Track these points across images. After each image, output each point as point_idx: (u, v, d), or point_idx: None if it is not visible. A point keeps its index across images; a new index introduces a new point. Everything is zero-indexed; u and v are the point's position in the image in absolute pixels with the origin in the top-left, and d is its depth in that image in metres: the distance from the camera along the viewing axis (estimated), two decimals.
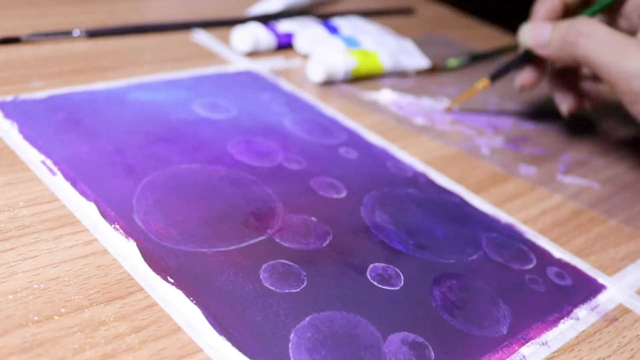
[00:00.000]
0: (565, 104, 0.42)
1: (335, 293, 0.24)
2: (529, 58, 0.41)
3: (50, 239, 0.24)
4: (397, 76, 0.48)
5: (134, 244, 0.24)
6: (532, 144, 0.41)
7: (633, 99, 0.34)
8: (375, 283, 0.25)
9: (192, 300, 0.22)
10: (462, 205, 0.32)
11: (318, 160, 0.33)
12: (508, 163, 0.38)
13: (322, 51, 0.45)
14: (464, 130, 0.41)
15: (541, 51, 0.38)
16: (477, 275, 0.27)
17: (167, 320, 0.22)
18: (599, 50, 0.35)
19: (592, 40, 0.35)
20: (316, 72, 0.43)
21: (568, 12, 0.40)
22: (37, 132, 0.30)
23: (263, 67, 0.44)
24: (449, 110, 0.43)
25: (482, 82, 0.42)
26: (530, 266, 0.29)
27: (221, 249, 0.25)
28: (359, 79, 0.45)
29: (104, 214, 0.26)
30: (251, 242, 0.26)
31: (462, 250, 0.29)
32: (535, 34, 0.39)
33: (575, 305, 0.27)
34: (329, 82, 0.44)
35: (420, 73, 0.49)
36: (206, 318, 0.22)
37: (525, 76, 0.42)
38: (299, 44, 0.48)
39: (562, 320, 0.26)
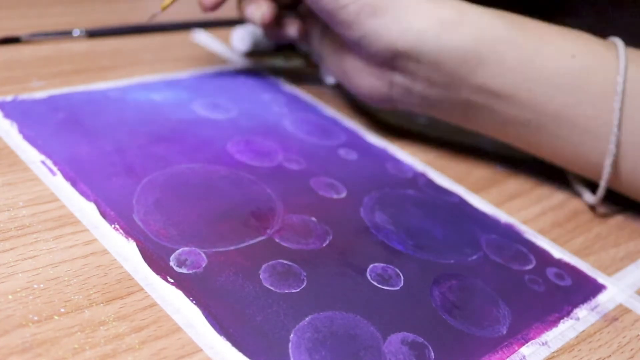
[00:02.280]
0: (258, 11, 0.36)
1: (335, 293, 0.24)
2: None
3: (50, 239, 0.24)
4: None
5: (134, 244, 0.24)
6: None
7: (347, 21, 0.31)
8: (375, 283, 0.25)
9: (192, 300, 0.22)
10: (462, 205, 0.32)
11: (318, 160, 0.33)
12: (508, 160, 0.38)
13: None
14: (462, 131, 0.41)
15: None
16: (476, 275, 0.27)
17: (167, 320, 0.22)
18: None
19: None
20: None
21: None
22: (37, 132, 0.30)
23: (263, 67, 0.44)
24: (154, 16, 0.38)
25: None
26: (529, 266, 0.29)
27: (221, 249, 0.25)
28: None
29: (103, 214, 0.26)
30: (251, 242, 0.26)
31: (461, 251, 0.29)
32: None
33: (575, 305, 0.27)
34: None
35: None
36: (206, 318, 0.22)
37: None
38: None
39: (562, 320, 0.26)
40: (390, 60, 0.32)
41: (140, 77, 0.38)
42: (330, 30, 0.36)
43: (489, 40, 0.31)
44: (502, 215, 0.32)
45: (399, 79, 0.33)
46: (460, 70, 0.31)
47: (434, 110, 0.35)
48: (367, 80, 0.35)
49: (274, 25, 0.38)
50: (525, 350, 0.24)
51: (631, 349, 0.25)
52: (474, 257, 0.29)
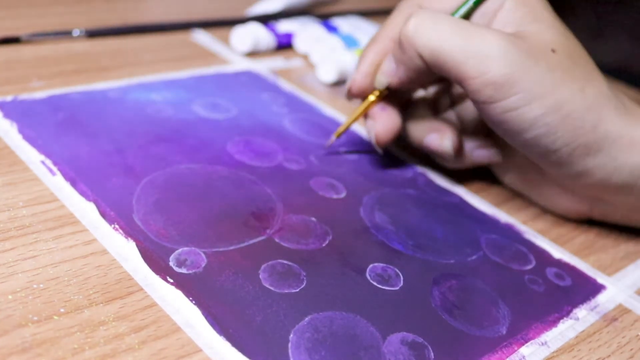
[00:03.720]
0: (447, 139, 0.32)
1: (334, 293, 0.24)
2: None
3: (50, 239, 0.24)
4: None
5: (134, 244, 0.24)
6: None
7: (490, 93, 0.27)
8: (375, 283, 0.25)
9: (191, 300, 0.22)
10: (462, 205, 0.32)
11: (318, 160, 0.33)
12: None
13: (327, 51, 0.45)
14: None
15: (395, 80, 0.31)
16: (476, 275, 0.27)
17: (167, 320, 0.22)
18: (438, 35, 0.28)
19: (429, 25, 0.28)
20: (328, 72, 0.43)
21: None
22: (37, 132, 0.30)
23: (263, 67, 0.44)
24: (330, 144, 0.34)
25: (372, 98, 0.33)
26: (529, 266, 0.29)
27: (221, 249, 0.25)
28: None
29: (103, 214, 0.26)
30: (251, 242, 0.26)
31: (461, 251, 0.29)
32: (383, 69, 0.31)
33: (575, 305, 0.27)
34: (340, 82, 0.44)
35: None
36: (206, 318, 0.22)
37: (380, 127, 0.32)
38: (299, 44, 0.48)
39: (561, 320, 0.26)
40: (595, 192, 0.30)
41: (140, 77, 0.38)
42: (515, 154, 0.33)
43: None
44: (502, 215, 0.32)
45: (603, 206, 0.32)
46: None
47: (637, 222, 0.33)
48: (564, 203, 0.32)
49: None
50: (524, 350, 0.24)
51: (631, 349, 0.25)
52: (474, 257, 0.29)
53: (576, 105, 0.27)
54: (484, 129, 0.34)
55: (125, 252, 0.24)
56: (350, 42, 0.48)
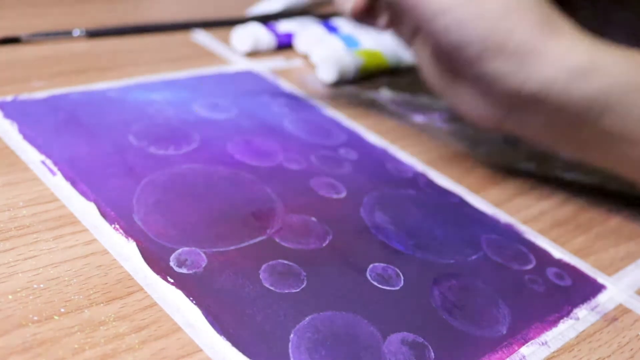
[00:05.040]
0: (349, 2, 0.35)
1: (335, 293, 0.24)
2: None
3: (50, 239, 0.24)
4: (389, 74, 0.48)
5: (134, 244, 0.24)
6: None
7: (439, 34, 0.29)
8: (375, 283, 0.25)
9: (192, 300, 0.22)
10: (462, 205, 0.32)
11: (318, 160, 0.33)
12: (507, 160, 0.38)
13: (328, 51, 0.45)
14: (462, 128, 0.41)
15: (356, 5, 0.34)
16: (476, 275, 0.27)
17: (167, 320, 0.22)
18: None
19: None
20: (328, 72, 0.43)
21: None
22: (37, 132, 0.30)
23: (263, 67, 0.44)
24: None
25: None
26: (529, 266, 0.29)
27: (221, 249, 0.25)
28: (366, 77, 0.45)
29: (104, 214, 0.26)
30: (251, 242, 0.26)
31: (461, 251, 0.29)
32: None
33: (575, 305, 0.27)
34: (340, 82, 0.44)
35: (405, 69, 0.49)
36: (206, 318, 0.22)
37: None
38: (299, 44, 0.48)
39: (561, 320, 0.26)
40: (509, 99, 0.30)
41: (140, 77, 0.38)
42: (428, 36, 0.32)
43: (618, 89, 0.28)
44: (502, 215, 0.32)
45: (516, 114, 0.31)
46: (584, 116, 0.29)
47: (548, 141, 0.32)
48: (478, 108, 0.32)
49: (363, 14, 0.36)
50: (525, 350, 0.24)
51: (631, 349, 0.25)
52: (474, 257, 0.29)
53: (493, 6, 0.28)
54: None
55: (125, 252, 0.24)
56: (350, 42, 0.48)
